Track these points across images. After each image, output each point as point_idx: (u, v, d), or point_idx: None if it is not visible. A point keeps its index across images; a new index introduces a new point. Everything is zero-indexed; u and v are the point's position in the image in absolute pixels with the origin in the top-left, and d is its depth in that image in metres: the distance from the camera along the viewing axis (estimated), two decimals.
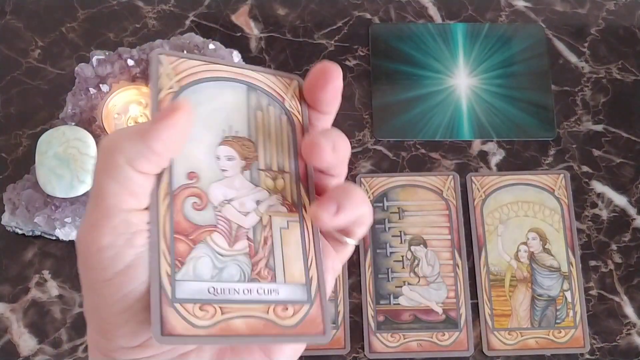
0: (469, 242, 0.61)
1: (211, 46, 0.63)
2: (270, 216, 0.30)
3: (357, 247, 0.60)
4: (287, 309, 0.29)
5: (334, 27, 0.69)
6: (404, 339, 0.58)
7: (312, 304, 0.29)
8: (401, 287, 0.59)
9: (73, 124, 0.60)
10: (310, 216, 0.31)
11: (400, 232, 0.61)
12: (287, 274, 0.29)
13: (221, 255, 0.29)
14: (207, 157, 0.30)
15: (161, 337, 0.27)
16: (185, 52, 0.62)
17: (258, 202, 0.30)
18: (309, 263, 0.30)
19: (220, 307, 0.28)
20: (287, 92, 0.33)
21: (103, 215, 0.26)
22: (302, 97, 0.33)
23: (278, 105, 0.32)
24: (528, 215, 0.62)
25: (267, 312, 0.28)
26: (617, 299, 0.60)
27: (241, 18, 0.69)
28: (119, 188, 0.26)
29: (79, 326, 0.58)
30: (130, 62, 0.62)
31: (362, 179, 0.63)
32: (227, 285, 0.28)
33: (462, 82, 0.67)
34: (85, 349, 0.58)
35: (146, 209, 0.28)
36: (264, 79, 0.33)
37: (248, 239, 0.30)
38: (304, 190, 0.31)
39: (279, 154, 0.32)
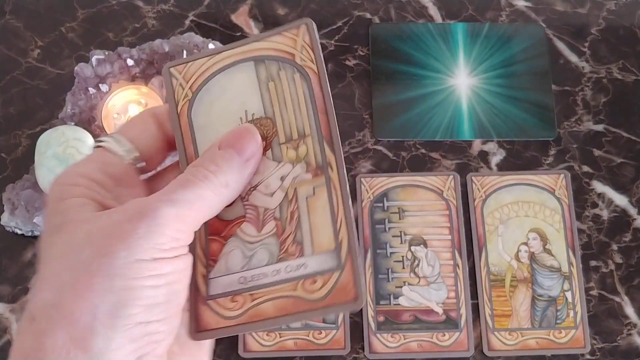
0: (469, 242, 0.61)
1: (211, 46, 0.63)
2: (295, 188, 0.30)
3: None
4: (315, 281, 0.28)
5: (334, 27, 0.69)
6: (404, 339, 0.58)
7: (342, 270, 0.28)
8: (401, 287, 0.59)
9: (72, 123, 0.60)
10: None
11: (401, 232, 0.61)
12: (316, 244, 0.29)
13: (250, 242, 0.29)
14: None
15: (195, 334, 0.28)
16: (185, 52, 0.62)
17: (282, 178, 0.30)
18: (338, 225, 0.29)
19: (250, 294, 0.28)
20: (297, 44, 0.31)
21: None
22: (313, 40, 0.31)
23: (289, 66, 0.31)
24: (528, 215, 0.62)
25: (295, 289, 0.28)
26: (617, 299, 0.60)
27: (241, 18, 0.69)
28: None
29: None
30: (130, 62, 0.62)
31: (362, 179, 0.62)
32: (255, 272, 0.29)
33: (463, 82, 0.66)
34: None
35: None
36: (269, 44, 0.32)
37: (275, 219, 0.30)
38: (329, 147, 0.30)
39: (298, 119, 0.31)
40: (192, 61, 0.32)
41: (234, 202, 0.30)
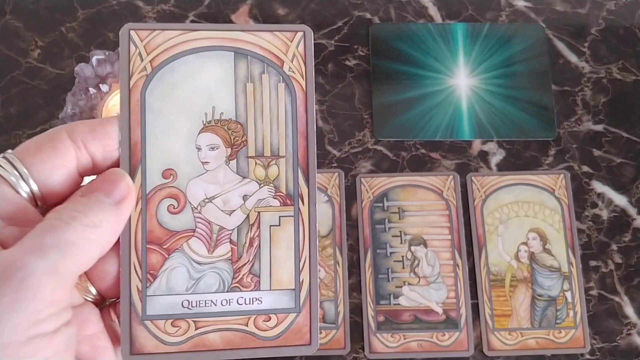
0: (469, 242, 0.61)
1: None
2: (258, 213, 0.27)
3: (357, 247, 0.60)
4: (269, 319, 0.26)
5: (334, 27, 0.69)
6: (404, 339, 0.58)
7: (299, 312, 0.26)
8: (401, 287, 0.59)
9: None
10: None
11: (400, 232, 0.61)
12: (274, 280, 0.27)
13: (199, 263, 0.26)
14: (186, 149, 0.26)
15: (130, 357, 0.25)
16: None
17: (245, 197, 0.27)
18: (301, 265, 0.27)
19: (195, 321, 0.26)
20: (288, 51, 0.27)
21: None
22: (307, 52, 0.27)
23: (274, 72, 0.27)
24: (528, 215, 0.62)
25: (247, 324, 0.26)
26: (617, 299, 0.60)
27: (241, 18, 0.69)
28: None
29: None
30: None
31: (362, 179, 0.63)
32: (203, 297, 0.26)
33: (462, 82, 0.67)
34: None
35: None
36: (257, 39, 0.27)
37: (231, 242, 0.27)
38: (303, 177, 0.27)
39: (274, 135, 0.27)
40: (160, 30, 0.27)
41: (182, 208, 0.26)
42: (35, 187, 0.24)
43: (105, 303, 0.27)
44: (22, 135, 0.63)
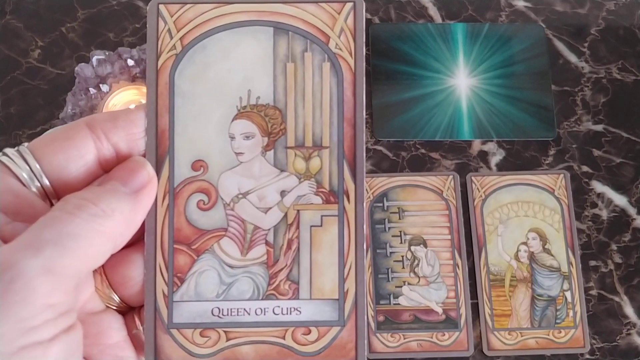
0: (469, 242, 0.61)
1: None
2: (298, 211, 0.24)
3: None
4: (309, 332, 0.24)
5: None
6: (404, 339, 0.58)
7: (343, 326, 0.24)
8: (401, 287, 0.59)
9: None
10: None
11: (400, 232, 0.61)
12: (315, 288, 0.24)
13: (230, 266, 0.24)
14: (218, 138, 0.24)
15: None
16: None
17: (283, 193, 0.24)
18: (346, 272, 0.24)
19: (226, 332, 0.23)
20: (336, 25, 0.24)
21: None
22: (358, 25, 0.24)
23: (319, 50, 0.24)
24: (528, 215, 0.62)
25: (284, 337, 0.24)
26: (617, 299, 0.60)
27: None
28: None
29: None
30: (130, 62, 0.62)
31: None
32: (235, 305, 0.24)
33: (462, 82, 0.67)
34: None
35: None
36: (300, 12, 0.24)
37: (267, 243, 0.24)
38: (349, 171, 0.24)
39: (316, 122, 0.24)
40: (192, 4, 0.24)
41: (213, 205, 0.24)
42: (46, 181, 0.22)
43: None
44: (22, 135, 0.63)
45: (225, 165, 0.24)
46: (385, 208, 0.62)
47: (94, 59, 0.62)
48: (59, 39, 0.67)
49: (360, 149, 0.24)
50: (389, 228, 0.61)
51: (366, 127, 0.65)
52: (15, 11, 0.68)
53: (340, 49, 0.24)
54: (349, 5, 0.24)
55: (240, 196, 0.24)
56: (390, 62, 0.67)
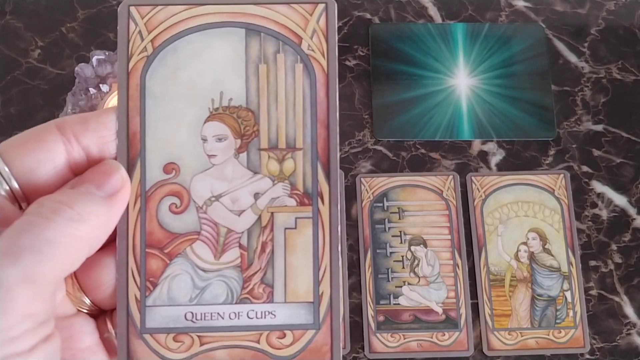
0: (469, 242, 0.61)
1: None
2: (272, 213, 0.24)
3: (357, 247, 0.60)
4: (284, 335, 0.24)
5: None
6: (404, 339, 0.58)
7: (318, 329, 0.24)
8: (401, 287, 0.59)
9: None
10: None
11: (400, 232, 0.61)
12: (289, 291, 0.24)
13: (204, 270, 0.24)
14: (190, 141, 0.24)
15: None
16: None
17: (257, 195, 0.24)
18: (321, 274, 0.24)
19: (199, 336, 0.23)
20: (308, 26, 0.24)
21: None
22: (330, 27, 0.24)
23: (291, 51, 0.24)
24: (528, 215, 0.62)
25: (259, 341, 0.23)
26: (617, 299, 0.60)
27: None
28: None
29: None
30: None
31: (362, 179, 0.63)
32: (208, 309, 0.23)
33: (462, 82, 0.67)
34: None
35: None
36: (271, 13, 0.24)
37: (240, 246, 0.24)
38: (324, 172, 0.24)
39: (289, 123, 0.24)
40: (163, 5, 0.24)
41: (185, 208, 0.24)
42: (15, 185, 0.22)
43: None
44: None
45: (197, 167, 0.24)
46: (385, 208, 0.62)
47: (94, 59, 0.62)
48: (59, 39, 0.67)
49: (334, 150, 0.24)
50: (389, 228, 0.61)
51: (366, 127, 0.65)
52: (15, 11, 0.68)
53: (312, 50, 0.24)
54: (321, 6, 0.24)
55: (213, 199, 0.24)
56: (390, 62, 0.67)
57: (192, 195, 0.24)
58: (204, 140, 0.24)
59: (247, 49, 0.24)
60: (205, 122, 0.24)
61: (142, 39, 0.24)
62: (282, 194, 0.24)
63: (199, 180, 0.24)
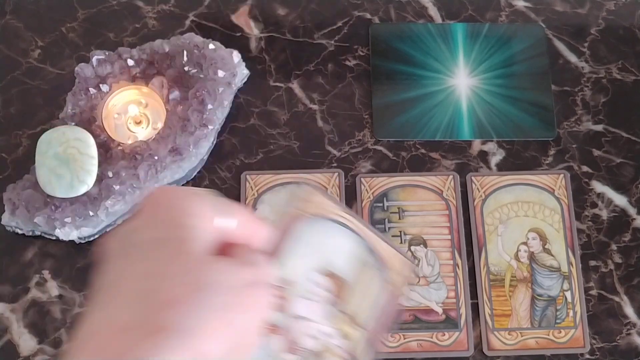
0: (469, 242, 0.61)
1: (211, 46, 0.63)
2: (325, 352, 0.32)
3: None
4: None
5: (334, 27, 0.69)
6: (404, 339, 0.58)
7: None
8: None
9: (73, 124, 0.60)
10: None
11: (400, 232, 0.61)
12: None
13: (269, 356, 0.31)
14: (302, 274, 0.33)
15: None
16: (186, 53, 0.62)
17: (323, 334, 0.32)
18: None
19: None
20: (396, 267, 0.35)
21: None
22: (407, 280, 0.35)
23: (381, 272, 0.34)
24: (528, 215, 0.62)
25: None
26: (617, 299, 0.60)
27: (241, 18, 0.69)
28: None
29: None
30: (130, 62, 0.62)
31: (362, 179, 0.63)
32: None
33: (462, 82, 0.67)
34: None
35: None
36: (381, 245, 0.35)
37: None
38: (366, 350, 0.33)
39: (365, 312, 0.33)
40: (324, 198, 0.35)
41: (282, 309, 0.32)
42: None
43: None
44: (22, 135, 0.63)
45: (300, 292, 0.33)
46: (385, 208, 0.62)
47: (94, 59, 0.62)
48: (59, 39, 0.67)
49: (375, 344, 0.33)
50: (389, 228, 0.61)
51: (366, 127, 0.65)
52: (15, 11, 0.68)
53: (392, 282, 0.34)
54: (409, 266, 0.37)
55: (298, 317, 0.32)
56: (390, 62, 0.67)
57: (290, 306, 0.33)
58: (311, 280, 0.33)
59: (359, 251, 0.34)
60: (315, 270, 0.34)
61: (301, 204, 0.34)
62: (335, 346, 0.33)
63: (299, 300, 0.33)
